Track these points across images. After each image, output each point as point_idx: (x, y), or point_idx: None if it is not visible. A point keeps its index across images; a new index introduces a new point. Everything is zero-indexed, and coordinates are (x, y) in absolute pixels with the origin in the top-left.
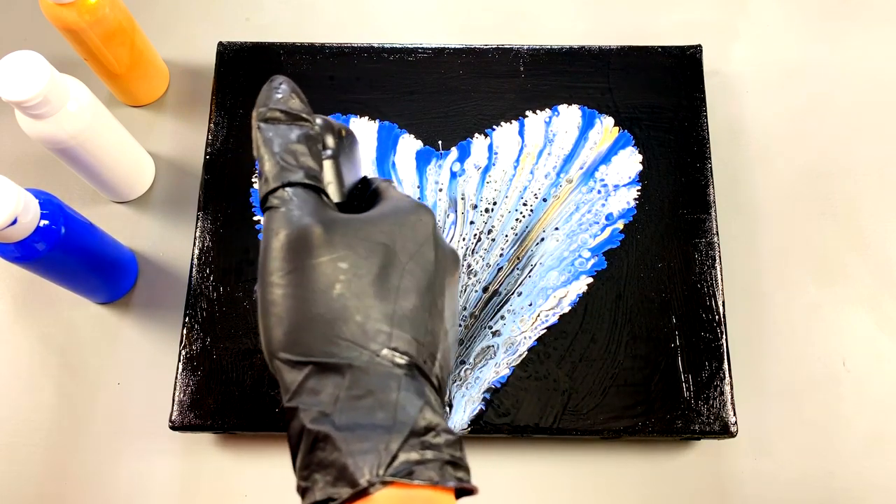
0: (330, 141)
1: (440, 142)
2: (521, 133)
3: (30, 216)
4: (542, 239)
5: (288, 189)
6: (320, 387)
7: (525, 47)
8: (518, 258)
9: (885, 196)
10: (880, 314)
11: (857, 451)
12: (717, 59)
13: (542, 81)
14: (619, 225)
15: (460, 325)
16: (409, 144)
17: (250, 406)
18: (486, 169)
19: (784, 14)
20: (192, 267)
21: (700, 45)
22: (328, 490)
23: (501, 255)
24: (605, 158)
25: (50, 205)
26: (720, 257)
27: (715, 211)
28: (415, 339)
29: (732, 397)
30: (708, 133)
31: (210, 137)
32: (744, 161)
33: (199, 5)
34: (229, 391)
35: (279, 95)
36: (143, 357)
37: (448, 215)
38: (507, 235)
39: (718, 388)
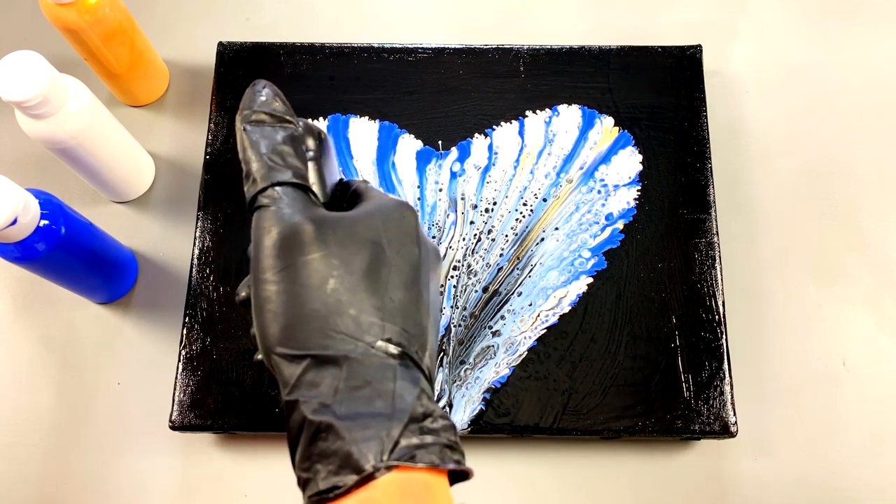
0: (311, 143)
1: (440, 142)
2: (521, 133)
3: (30, 216)
4: (542, 239)
5: (277, 188)
6: (319, 379)
7: (525, 47)
8: (518, 258)
9: (885, 196)
10: (880, 314)
11: (857, 451)
12: (717, 59)
13: (542, 81)
14: (619, 225)
15: (460, 325)
16: (409, 144)
17: (250, 406)
18: (486, 169)
19: (784, 14)
20: (192, 267)
21: (700, 45)
22: (332, 479)
23: (501, 255)
24: (605, 158)
25: (50, 205)
26: (720, 257)
27: (715, 211)
28: (405, 330)
29: (732, 397)
30: (708, 133)
31: (210, 137)
32: (744, 161)
33: (199, 5)
34: (229, 391)
35: (263, 98)
36: (143, 357)
37: (448, 215)
38: (507, 235)
39: (718, 388)
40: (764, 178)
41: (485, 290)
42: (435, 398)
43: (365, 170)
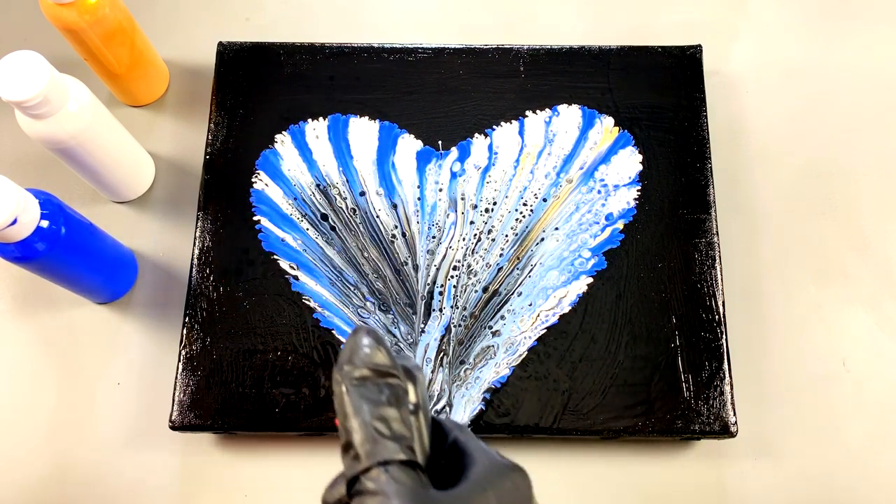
0: (412, 394)
1: (440, 142)
2: (521, 133)
3: (30, 216)
4: (542, 239)
5: (383, 469)
6: None
7: (525, 47)
8: (518, 258)
9: (885, 196)
10: (880, 314)
11: (857, 451)
12: (717, 59)
13: (542, 81)
14: (619, 225)
15: (460, 325)
16: (409, 144)
17: (250, 406)
18: (486, 169)
19: (784, 14)
20: (192, 267)
21: (700, 45)
22: None
23: (501, 255)
24: (605, 158)
25: (50, 205)
26: (720, 257)
27: (715, 211)
28: None
29: (732, 397)
30: (708, 133)
31: (210, 137)
32: (744, 161)
33: (199, 5)
34: (229, 391)
35: (366, 351)
36: (143, 357)
37: (448, 215)
38: (507, 235)
39: (718, 388)
40: (764, 178)
41: (485, 290)
42: (434, 399)
43: (365, 170)
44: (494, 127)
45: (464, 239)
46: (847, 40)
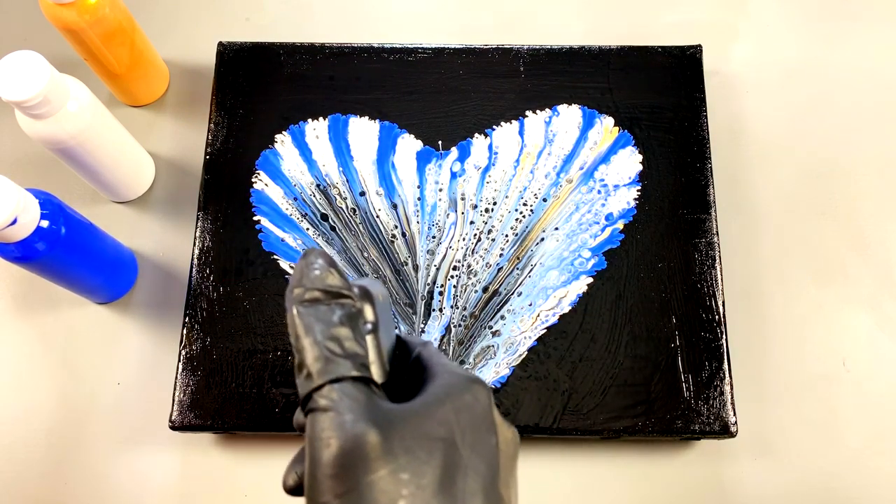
0: (369, 313)
1: (440, 142)
2: (521, 133)
3: (30, 216)
4: (542, 239)
5: (335, 386)
6: None
7: (525, 47)
8: (518, 258)
9: (885, 196)
10: (880, 314)
11: (857, 451)
12: (717, 59)
13: (542, 81)
14: (619, 225)
15: (460, 325)
16: (409, 144)
17: (250, 406)
18: (486, 169)
19: (784, 14)
20: (192, 267)
21: (700, 45)
22: None
23: (501, 255)
24: (605, 158)
25: (50, 205)
26: (720, 257)
27: (715, 211)
28: None
29: (732, 397)
30: (708, 133)
31: (210, 137)
32: (744, 161)
33: (199, 5)
34: (229, 391)
35: (316, 272)
36: (143, 357)
37: (448, 215)
38: (507, 235)
39: (718, 388)
40: (764, 178)
41: (485, 290)
42: None
43: (365, 170)
44: (494, 127)
45: (464, 239)
46: (847, 40)
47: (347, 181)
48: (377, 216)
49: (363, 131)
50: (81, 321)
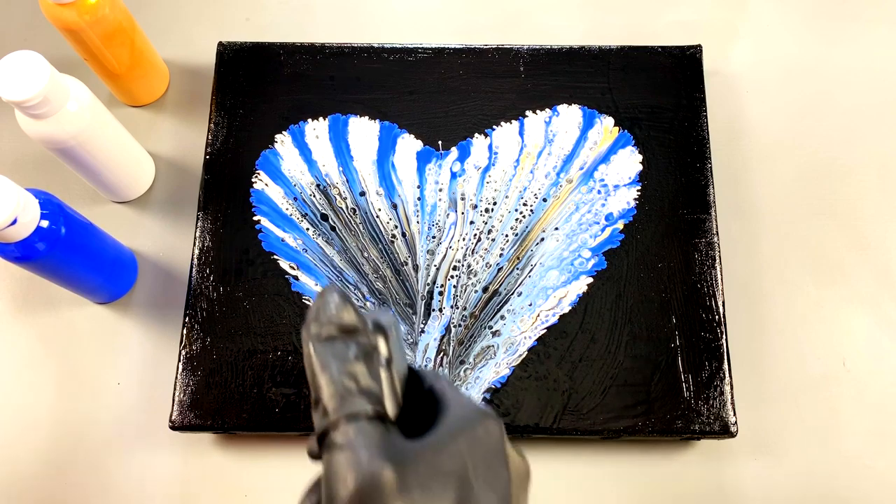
0: (383, 347)
1: (440, 142)
2: (521, 133)
3: (30, 216)
4: (542, 239)
5: (352, 424)
6: None
7: (525, 47)
8: (518, 258)
9: (885, 196)
10: (880, 314)
11: (857, 451)
12: (717, 59)
13: (542, 81)
14: (619, 225)
15: (460, 325)
16: (409, 144)
17: (250, 406)
18: (486, 169)
19: (784, 14)
20: (192, 267)
21: (700, 45)
22: None
23: (501, 255)
24: (605, 158)
25: (50, 205)
26: (720, 257)
27: (715, 211)
28: None
29: (732, 397)
30: (708, 133)
31: (210, 137)
32: (744, 161)
33: (199, 5)
34: (229, 391)
35: (332, 310)
36: (143, 357)
37: (448, 215)
38: (507, 235)
39: (718, 388)
40: (764, 178)
41: (485, 290)
42: None
43: (365, 170)
44: (494, 127)
45: (464, 239)
46: (847, 40)
47: (347, 181)
48: (377, 216)
49: (363, 131)
50: (81, 321)
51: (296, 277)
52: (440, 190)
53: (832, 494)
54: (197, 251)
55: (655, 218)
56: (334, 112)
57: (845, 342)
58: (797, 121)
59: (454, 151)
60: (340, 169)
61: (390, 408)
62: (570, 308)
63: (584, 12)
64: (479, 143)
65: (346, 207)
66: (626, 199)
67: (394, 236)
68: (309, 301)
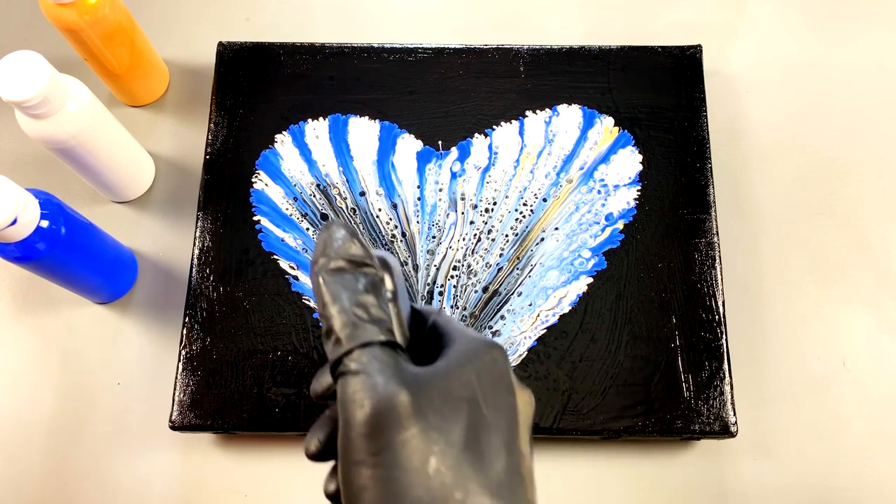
0: (388, 282)
1: (440, 142)
2: (521, 133)
3: (30, 216)
4: (542, 239)
5: (365, 350)
6: None
7: (525, 47)
8: (518, 258)
9: (885, 196)
10: (880, 314)
11: (857, 451)
12: (717, 59)
13: (542, 81)
14: (619, 225)
15: None
16: (409, 144)
17: (250, 406)
18: (486, 169)
19: (784, 14)
20: (192, 267)
21: (700, 45)
22: None
23: (501, 255)
24: (605, 158)
25: (50, 205)
26: (720, 257)
27: (715, 211)
28: None
29: (732, 397)
30: (708, 133)
31: (210, 137)
32: (744, 161)
33: (199, 5)
34: (229, 391)
35: (339, 243)
36: (143, 357)
37: (448, 215)
38: (507, 235)
39: (718, 388)
40: (764, 178)
41: (485, 290)
42: None
43: (365, 170)
44: (494, 127)
45: (464, 239)
46: (847, 40)
47: (347, 181)
48: (377, 216)
49: (363, 131)
50: (81, 321)
51: (296, 277)
52: (440, 190)
53: (832, 494)
54: (197, 251)
55: (655, 218)
56: (334, 112)
57: (845, 342)
58: (797, 121)
59: (454, 151)
60: (340, 169)
61: (399, 339)
62: (570, 308)
63: (584, 12)
64: (479, 143)
65: (346, 207)
66: (626, 199)
67: (394, 236)
68: (309, 301)
